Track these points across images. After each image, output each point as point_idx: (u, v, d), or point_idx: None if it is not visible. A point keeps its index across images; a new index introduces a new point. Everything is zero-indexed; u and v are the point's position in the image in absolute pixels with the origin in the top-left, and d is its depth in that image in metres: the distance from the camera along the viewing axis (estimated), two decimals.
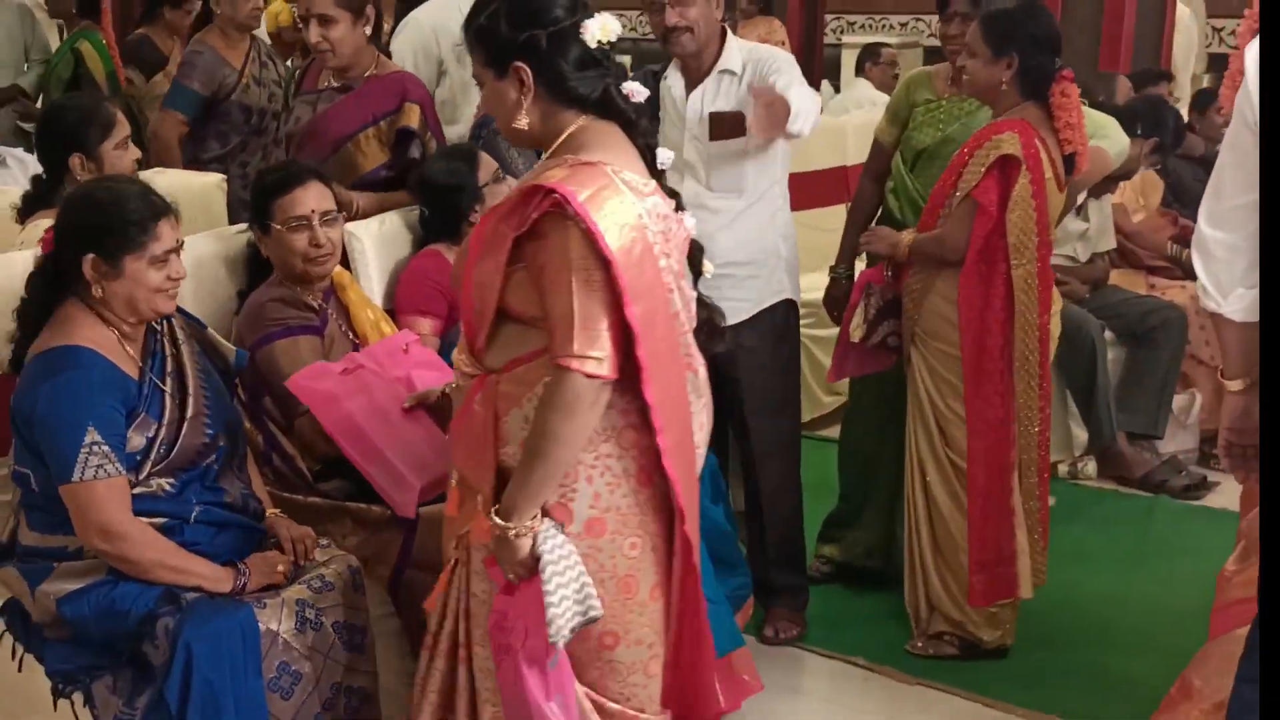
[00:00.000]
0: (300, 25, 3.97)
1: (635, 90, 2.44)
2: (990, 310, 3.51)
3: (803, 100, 3.41)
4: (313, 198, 3.29)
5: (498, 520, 2.29)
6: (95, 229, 2.70)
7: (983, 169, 3.46)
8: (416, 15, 4.87)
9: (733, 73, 3.60)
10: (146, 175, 3.74)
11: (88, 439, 2.60)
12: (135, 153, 3.52)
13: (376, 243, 3.68)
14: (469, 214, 3.56)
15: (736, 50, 3.63)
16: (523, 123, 2.38)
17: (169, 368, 2.82)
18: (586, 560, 2.33)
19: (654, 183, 2.40)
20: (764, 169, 3.64)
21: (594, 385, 2.24)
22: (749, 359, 3.70)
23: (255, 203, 3.36)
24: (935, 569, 3.72)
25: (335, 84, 3.95)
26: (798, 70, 3.63)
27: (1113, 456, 5.11)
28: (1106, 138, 4.39)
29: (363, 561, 2.98)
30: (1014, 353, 3.55)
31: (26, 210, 3.45)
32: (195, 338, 2.96)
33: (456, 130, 4.62)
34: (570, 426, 2.25)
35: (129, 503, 2.67)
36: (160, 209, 2.75)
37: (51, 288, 2.76)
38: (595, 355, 2.22)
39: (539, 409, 2.28)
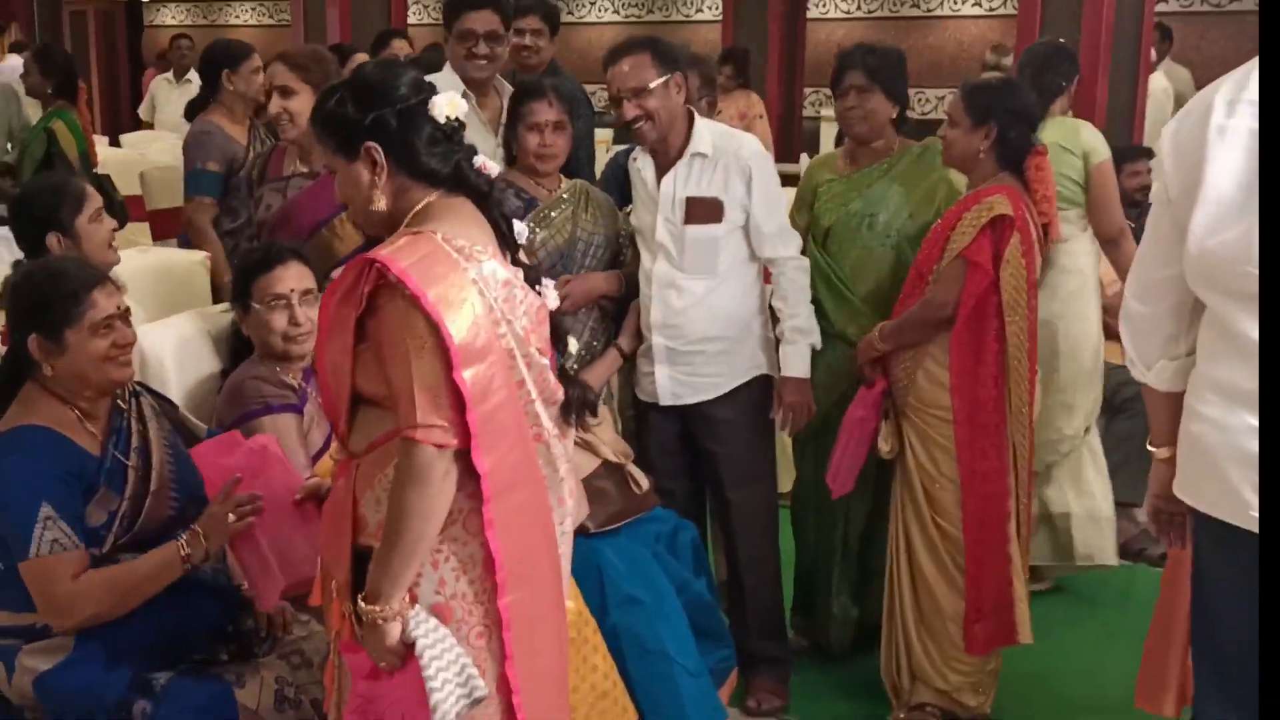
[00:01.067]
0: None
1: (487, 164, 2.44)
2: (983, 366, 3.57)
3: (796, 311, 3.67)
4: (292, 277, 3.33)
5: (365, 605, 2.25)
6: (33, 309, 2.73)
7: (975, 229, 3.53)
8: None
9: (704, 155, 3.64)
10: (126, 254, 3.77)
11: (42, 514, 2.62)
12: (111, 223, 3.49)
13: None
14: None
15: (706, 133, 3.66)
16: (379, 204, 2.36)
17: (134, 443, 2.83)
18: None
19: (492, 247, 2.37)
20: (738, 250, 3.68)
21: (444, 455, 2.21)
22: (726, 432, 3.73)
23: (236, 283, 3.39)
24: (919, 639, 3.73)
25: (303, 169, 3.90)
26: (774, 182, 3.69)
27: None
28: (1095, 150, 4.44)
29: None
30: (1007, 405, 3.60)
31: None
32: (165, 415, 2.98)
33: None
34: (424, 500, 2.21)
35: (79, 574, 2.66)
36: (94, 278, 2.78)
37: (12, 377, 2.78)
38: (440, 424, 2.20)
39: (393, 487, 2.23)
